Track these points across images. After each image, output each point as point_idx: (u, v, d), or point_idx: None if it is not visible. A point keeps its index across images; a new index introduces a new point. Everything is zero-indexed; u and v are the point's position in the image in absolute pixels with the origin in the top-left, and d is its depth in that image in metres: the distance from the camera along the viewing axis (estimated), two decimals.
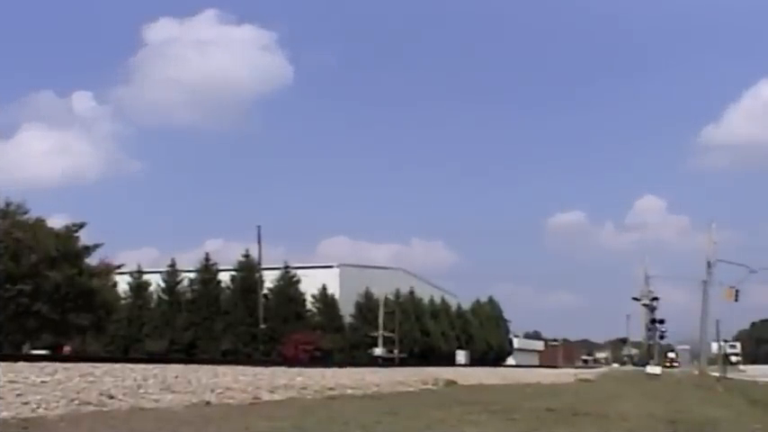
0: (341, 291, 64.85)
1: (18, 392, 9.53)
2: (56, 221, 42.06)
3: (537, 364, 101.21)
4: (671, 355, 53.17)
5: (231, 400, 11.91)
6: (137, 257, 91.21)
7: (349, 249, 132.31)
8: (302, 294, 60.45)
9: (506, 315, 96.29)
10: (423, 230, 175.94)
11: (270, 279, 58.70)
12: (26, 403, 8.93)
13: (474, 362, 68.12)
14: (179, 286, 59.77)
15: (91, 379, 11.90)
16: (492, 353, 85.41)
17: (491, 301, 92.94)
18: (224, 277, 59.54)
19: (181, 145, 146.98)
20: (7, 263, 36.63)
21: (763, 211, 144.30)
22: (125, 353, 50.35)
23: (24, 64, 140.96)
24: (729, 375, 48.56)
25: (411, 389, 18.37)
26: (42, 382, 10.82)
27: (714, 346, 68.20)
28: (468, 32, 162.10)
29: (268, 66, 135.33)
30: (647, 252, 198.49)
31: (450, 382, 21.75)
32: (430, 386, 20.05)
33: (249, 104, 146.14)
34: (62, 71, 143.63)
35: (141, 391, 11.40)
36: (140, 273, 60.59)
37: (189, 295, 59.04)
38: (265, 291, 56.88)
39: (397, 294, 69.17)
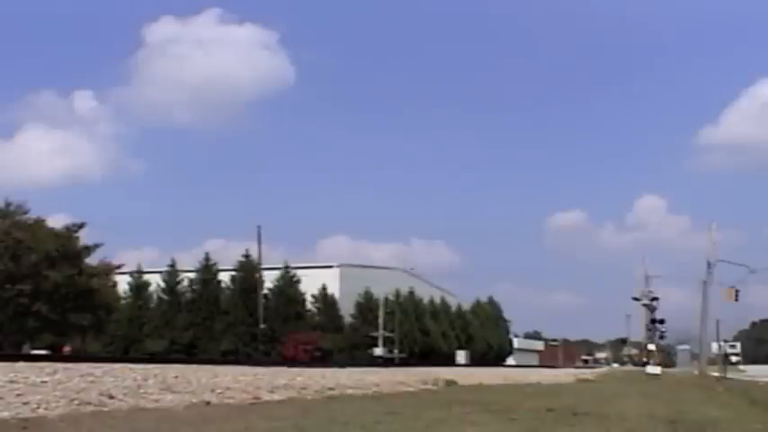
0: (341, 291, 64.92)
1: (18, 392, 9.50)
2: (56, 221, 42.20)
3: (537, 364, 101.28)
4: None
5: (231, 400, 11.89)
6: (137, 257, 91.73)
7: (349, 249, 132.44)
8: (302, 294, 60.53)
9: (506, 315, 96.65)
10: (423, 230, 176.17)
11: (270, 279, 58.78)
12: (26, 403, 8.90)
13: (474, 362, 68.16)
14: (179, 286, 59.84)
15: (91, 379, 11.87)
16: (492, 353, 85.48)
17: (491, 301, 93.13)
18: (224, 277, 59.64)
19: (181, 145, 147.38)
20: (7, 263, 36.68)
21: (764, 211, 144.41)
22: (125, 353, 50.42)
23: (24, 64, 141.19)
24: (729, 375, 48.55)
25: (411, 389, 18.32)
26: (42, 382, 10.79)
27: (714, 346, 68.20)
28: (469, 33, 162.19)
29: (269, 66, 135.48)
30: (647, 252, 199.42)
31: (451, 382, 21.69)
32: (430, 386, 19.98)
33: (250, 104, 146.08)
34: (62, 71, 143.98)
35: (141, 391, 11.37)
36: (140, 273, 60.68)
37: (189, 295, 59.12)
38: (265, 291, 56.94)
39: (397, 294, 69.22)
